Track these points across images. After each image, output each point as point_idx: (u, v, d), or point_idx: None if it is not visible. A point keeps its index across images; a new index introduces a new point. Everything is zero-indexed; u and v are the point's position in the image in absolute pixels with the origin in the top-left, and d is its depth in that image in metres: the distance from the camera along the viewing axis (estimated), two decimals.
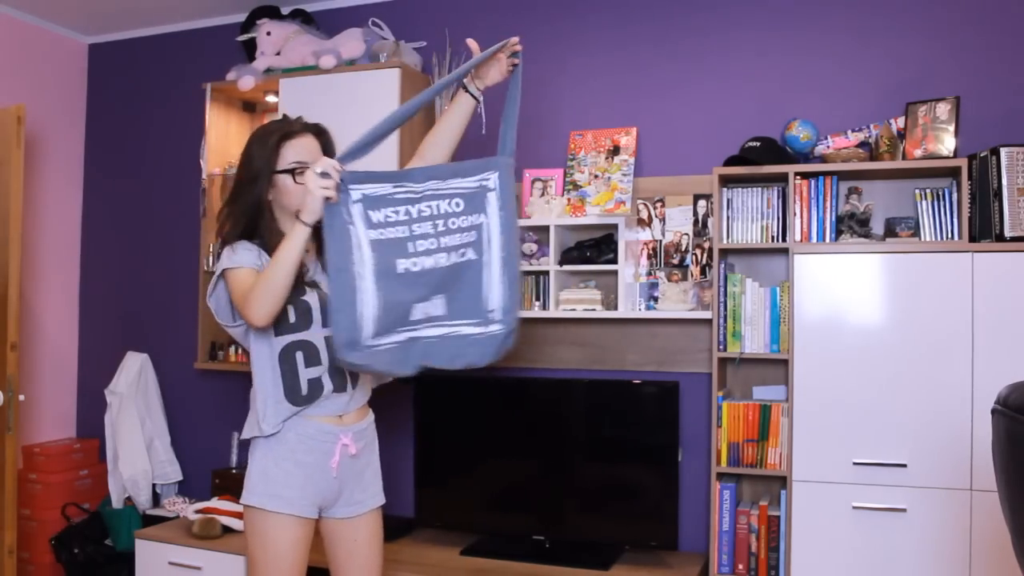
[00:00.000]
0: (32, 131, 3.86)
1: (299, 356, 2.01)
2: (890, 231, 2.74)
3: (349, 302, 1.83)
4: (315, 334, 2.02)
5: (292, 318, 2.00)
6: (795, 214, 2.74)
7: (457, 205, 1.90)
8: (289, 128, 2.04)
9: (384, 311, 1.85)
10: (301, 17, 3.61)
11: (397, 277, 1.86)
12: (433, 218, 1.89)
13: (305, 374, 2.01)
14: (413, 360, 1.91)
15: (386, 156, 3.17)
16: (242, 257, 1.97)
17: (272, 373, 2.01)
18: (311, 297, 2.03)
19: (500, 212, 1.91)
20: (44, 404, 4.03)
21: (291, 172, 2.00)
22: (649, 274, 3.08)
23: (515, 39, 2.04)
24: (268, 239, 2.01)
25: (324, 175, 1.82)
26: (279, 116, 2.16)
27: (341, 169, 1.86)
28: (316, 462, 2.02)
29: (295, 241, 1.86)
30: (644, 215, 3.13)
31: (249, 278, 1.93)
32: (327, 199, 1.83)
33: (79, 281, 4.25)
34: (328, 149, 2.07)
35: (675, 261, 3.07)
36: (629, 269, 3.04)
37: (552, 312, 3.05)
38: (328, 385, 2.03)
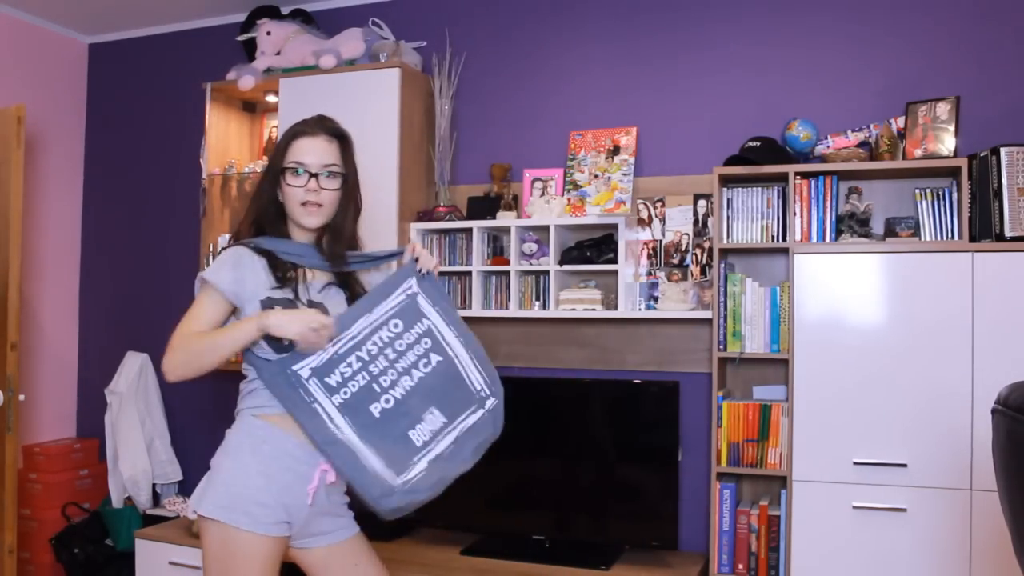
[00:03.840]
0: (32, 131, 3.86)
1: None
2: (890, 231, 2.74)
3: (356, 466, 1.88)
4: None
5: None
6: (795, 214, 2.74)
7: (396, 326, 1.96)
8: (303, 128, 1.99)
9: (388, 456, 1.90)
10: (301, 17, 3.61)
11: (376, 422, 1.91)
12: (382, 351, 1.94)
13: None
14: (450, 473, 1.94)
15: (386, 156, 3.17)
16: (222, 275, 1.87)
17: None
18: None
19: (435, 308, 2.00)
20: (44, 404, 4.03)
21: (283, 171, 1.94)
22: (649, 274, 3.08)
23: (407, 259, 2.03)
24: (276, 235, 1.98)
25: (315, 331, 1.82)
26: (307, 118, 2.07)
27: (333, 334, 1.88)
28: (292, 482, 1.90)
29: (239, 336, 1.82)
30: (644, 215, 3.13)
31: (206, 312, 1.88)
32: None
33: (79, 281, 4.25)
34: (348, 156, 2.01)
35: (675, 261, 3.07)
36: (629, 269, 3.04)
37: (552, 312, 3.05)
38: None
